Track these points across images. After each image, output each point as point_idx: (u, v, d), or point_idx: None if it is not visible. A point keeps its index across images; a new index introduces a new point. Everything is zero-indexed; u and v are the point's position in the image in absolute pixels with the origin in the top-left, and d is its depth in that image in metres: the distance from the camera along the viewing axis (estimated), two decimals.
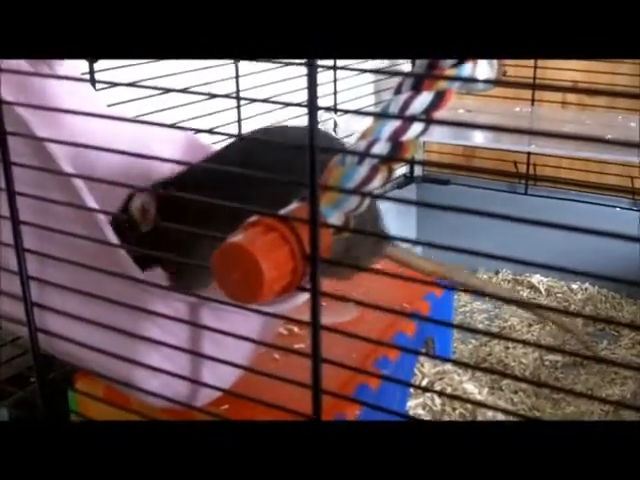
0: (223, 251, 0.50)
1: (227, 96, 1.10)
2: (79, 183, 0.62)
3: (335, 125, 1.50)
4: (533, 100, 1.62)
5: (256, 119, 1.28)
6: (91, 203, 0.61)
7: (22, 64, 0.75)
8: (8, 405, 0.90)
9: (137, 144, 0.82)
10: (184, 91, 0.61)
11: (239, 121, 1.27)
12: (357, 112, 1.30)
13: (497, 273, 1.63)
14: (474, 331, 1.47)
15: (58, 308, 0.65)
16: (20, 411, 0.88)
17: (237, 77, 1.25)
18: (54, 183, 0.63)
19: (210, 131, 0.70)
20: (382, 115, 0.57)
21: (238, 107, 1.26)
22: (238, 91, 1.25)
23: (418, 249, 1.70)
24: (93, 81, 0.97)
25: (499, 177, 1.66)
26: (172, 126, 0.85)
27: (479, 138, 1.49)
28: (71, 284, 0.64)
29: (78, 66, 0.91)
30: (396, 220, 1.48)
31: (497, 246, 1.49)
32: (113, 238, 0.62)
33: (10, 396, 0.90)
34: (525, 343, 1.41)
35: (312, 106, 0.46)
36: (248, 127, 1.27)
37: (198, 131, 0.78)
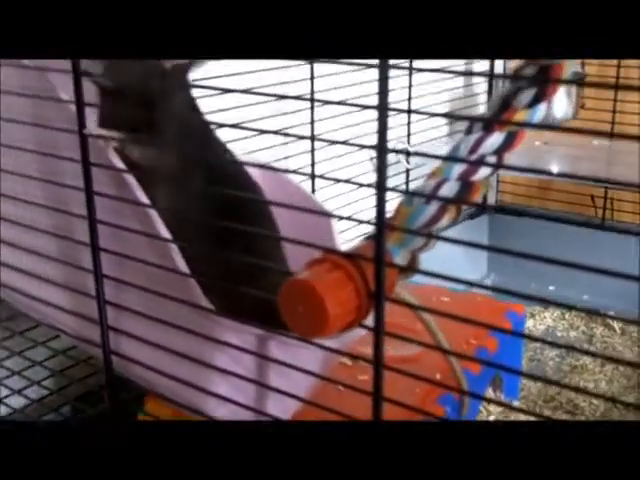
0: (290, 286, 0.51)
1: (300, 98, 1.11)
2: (154, 213, 0.64)
3: (407, 154, 1.50)
4: (612, 134, 1.59)
5: (329, 121, 1.30)
6: (164, 233, 0.63)
7: None
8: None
9: None
10: (256, 92, 0.62)
11: (312, 122, 1.29)
12: (427, 157, 1.30)
13: (570, 309, 1.60)
14: (543, 380, 1.44)
15: (132, 332, 0.67)
16: None
17: (312, 78, 1.26)
18: (131, 212, 0.65)
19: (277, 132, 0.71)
20: (451, 158, 0.58)
21: (312, 108, 1.28)
22: (312, 92, 1.27)
23: (488, 284, 1.69)
24: None
25: (575, 209, 1.63)
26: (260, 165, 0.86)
27: (555, 171, 1.47)
28: (145, 309, 0.66)
29: None
30: (466, 249, 1.47)
31: (571, 279, 1.48)
32: (184, 267, 0.63)
33: (81, 413, 0.93)
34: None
35: (382, 108, 0.46)
36: (321, 128, 1.30)
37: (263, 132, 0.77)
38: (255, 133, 0.73)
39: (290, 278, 0.51)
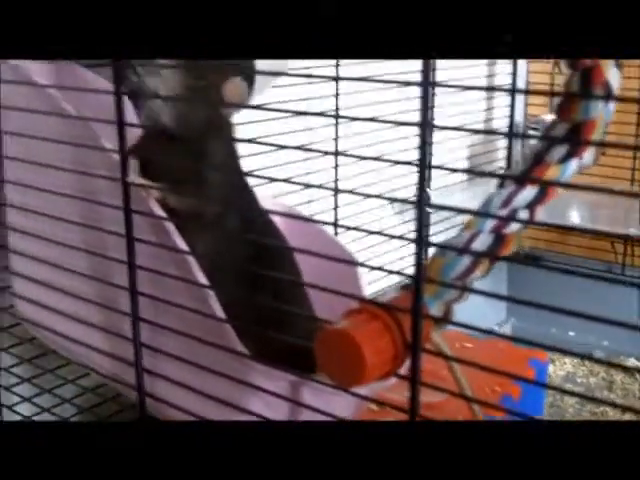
0: (328, 335, 0.53)
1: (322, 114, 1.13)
2: (191, 259, 0.66)
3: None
4: (632, 180, 1.61)
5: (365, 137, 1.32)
6: (201, 279, 0.65)
7: None
8: None
9: None
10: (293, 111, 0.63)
11: (336, 139, 1.31)
12: (463, 212, 1.31)
13: (590, 356, 1.59)
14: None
15: (166, 374, 0.68)
16: None
17: (337, 95, 1.29)
18: (169, 257, 0.67)
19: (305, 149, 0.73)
20: (483, 214, 0.59)
21: (336, 125, 1.30)
22: (337, 109, 1.29)
23: (508, 328, 1.69)
24: None
25: (595, 255, 1.64)
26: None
27: (575, 218, 1.49)
28: (179, 352, 0.68)
29: None
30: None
31: (591, 324, 1.47)
32: (221, 313, 0.65)
33: None
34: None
35: (424, 125, 0.47)
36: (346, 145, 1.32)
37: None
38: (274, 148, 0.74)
39: (328, 327, 0.53)
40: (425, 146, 0.46)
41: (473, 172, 1.63)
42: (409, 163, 0.49)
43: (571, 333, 1.62)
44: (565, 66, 0.57)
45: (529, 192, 0.60)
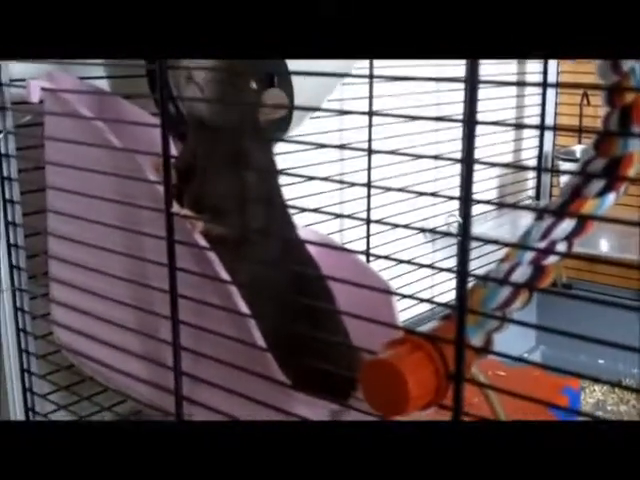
0: (371, 366, 0.53)
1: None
2: (233, 289, 0.67)
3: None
4: None
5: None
6: (243, 308, 0.66)
7: None
8: None
9: None
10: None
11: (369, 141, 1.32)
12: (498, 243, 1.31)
13: (619, 383, 1.59)
14: None
15: (206, 403, 0.69)
16: None
17: (370, 97, 1.30)
18: (211, 287, 0.68)
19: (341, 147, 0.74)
20: (523, 246, 0.60)
21: (369, 156, 1.31)
22: (371, 103, 1.30)
23: (537, 356, 1.68)
24: None
25: (624, 283, 1.63)
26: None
27: (604, 247, 1.49)
28: (219, 381, 0.68)
29: None
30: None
31: (621, 352, 1.46)
32: (262, 342, 0.66)
33: None
34: None
35: (471, 122, 0.47)
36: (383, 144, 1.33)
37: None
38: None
39: (372, 358, 0.53)
40: (471, 181, 0.47)
41: (516, 206, 1.64)
42: (454, 198, 0.50)
43: (600, 361, 1.61)
44: (604, 103, 0.58)
45: (567, 224, 0.60)
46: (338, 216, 1.11)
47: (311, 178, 0.65)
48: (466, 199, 0.48)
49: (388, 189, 0.57)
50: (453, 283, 1.43)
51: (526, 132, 1.82)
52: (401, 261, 0.62)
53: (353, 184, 1.13)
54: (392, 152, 0.58)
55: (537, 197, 1.83)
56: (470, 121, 0.47)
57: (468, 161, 0.47)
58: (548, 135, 1.78)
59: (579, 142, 1.72)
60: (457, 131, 1.48)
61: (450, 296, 1.39)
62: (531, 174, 1.83)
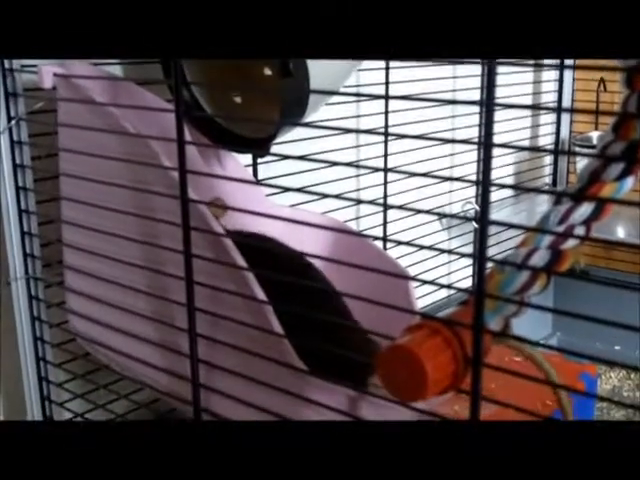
0: (389, 351, 0.53)
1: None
2: (250, 275, 0.66)
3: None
4: None
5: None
6: (260, 295, 0.66)
7: (197, 162, 0.83)
8: None
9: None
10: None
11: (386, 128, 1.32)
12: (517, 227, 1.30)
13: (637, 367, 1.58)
14: None
15: (223, 390, 0.69)
16: None
17: (387, 83, 1.29)
18: (227, 273, 0.68)
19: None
20: (540, 230, 0.59)
21: (385, 142, 1.31)
22: (387, 88, 1.29)
23: (553, 342, 1.68)
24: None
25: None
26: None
27: (621, 233, 1.48)
28: (236, 368, 0.68)
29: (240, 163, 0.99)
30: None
31: (637, 338, 1.46)
32: (279, 328, 0.66)
33: None
34: None
35: (488, 145, 0.47)
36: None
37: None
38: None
39: (390, 343, 0.53)
40: (489, 164, 0.47)
41: (534, 190, 1.63)
42: (472, 182, 0.49)
43: (617, 347, 1.60)
44: (623, 86, 0.57)
45: (586, 209, 0.60)
46: (357, 202, 1.11)
47: (334, 164, 0.65)
48: (485, 182, 0.47)
49: (410, 174, 0.57)
50: (469, 270, 1.44)
51: (543, 119, 1.80)
52: (421, 247, 0.61)
53: (376, 169, 1.12)
54: (409, 136, 0.57)
55: (554, 184, 1.82)
56: (489, 103, 0.46)
57: (487, 143, 0.47)
58: (565, 122, 1.77)
59: (596, 128, 1.71)
60: (474, 118, 1.47)
61: (466, 283, 1.38)
62: (548, 160, 1.81)
